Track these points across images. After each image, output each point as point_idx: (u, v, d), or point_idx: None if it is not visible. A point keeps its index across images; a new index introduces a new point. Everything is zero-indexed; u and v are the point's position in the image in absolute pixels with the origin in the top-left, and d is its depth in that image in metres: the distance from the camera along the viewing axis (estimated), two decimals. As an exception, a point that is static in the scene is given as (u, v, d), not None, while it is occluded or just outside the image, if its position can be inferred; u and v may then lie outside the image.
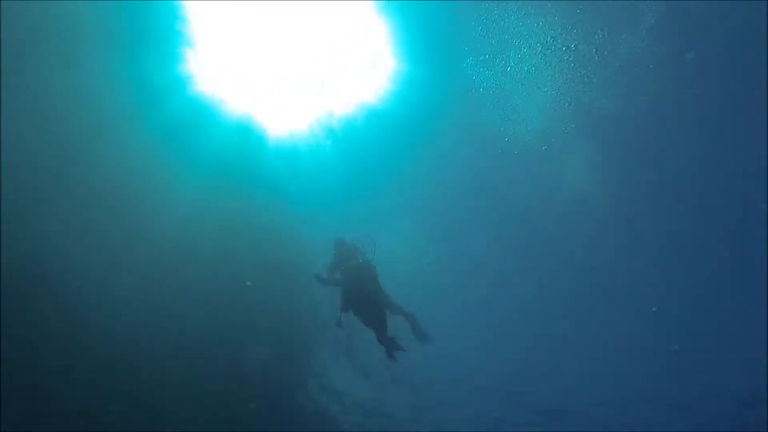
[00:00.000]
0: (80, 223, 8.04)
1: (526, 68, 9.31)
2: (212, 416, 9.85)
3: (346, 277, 7.83)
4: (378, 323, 7.88)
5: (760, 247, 11.55)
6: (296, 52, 9.59)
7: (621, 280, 13.78)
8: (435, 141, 11.50)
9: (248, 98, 9.94)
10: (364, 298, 7.72)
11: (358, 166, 11.74)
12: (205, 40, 8.90)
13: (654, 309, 13.68)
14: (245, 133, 10.33)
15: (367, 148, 11.26)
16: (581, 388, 14.57)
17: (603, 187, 11.71)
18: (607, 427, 14.57)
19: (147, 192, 8.93)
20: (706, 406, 13.84)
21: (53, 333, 7.79)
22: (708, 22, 8.74)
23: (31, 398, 7.95)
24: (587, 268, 13.65)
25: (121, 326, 8.54)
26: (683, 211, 12.04)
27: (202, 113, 9.90)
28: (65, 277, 7.90)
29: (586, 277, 13.84)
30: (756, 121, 9.86)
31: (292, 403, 11.99)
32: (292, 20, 9.04)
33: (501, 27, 8.72)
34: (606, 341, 14.56)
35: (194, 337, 9.63)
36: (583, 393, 14.49)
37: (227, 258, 10.32)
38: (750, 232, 11.48)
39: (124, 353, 8.50)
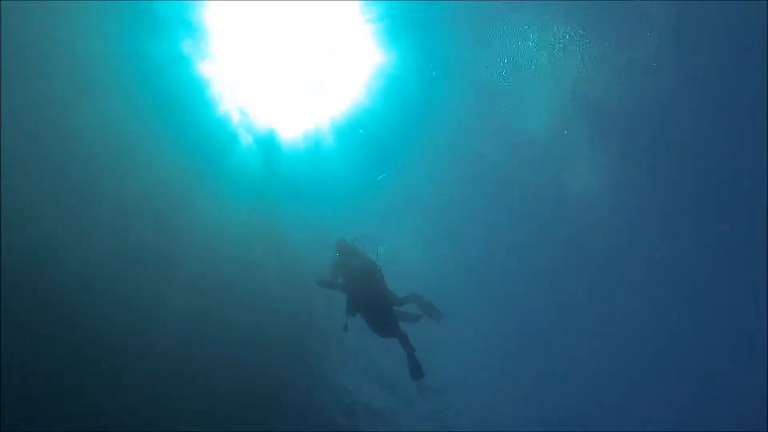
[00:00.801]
0: (88, 225, 8.02)
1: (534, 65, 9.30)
2: (214, 418, 9.82)
3: (348, 279, 7.61)
4: (386, 325, 7.67)
5: (762, 246, 11.55)
6: (297, 51, 9.60)
7: (627, 278, 13.76)
8: (439, 138, 11.48)
9: (248, 98, 9.92)
10: (369, 300, 7.49)
11: (364, 165, 11.69)
12: (204, 37, 8.89)
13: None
14: (250, 136, 10.33)
15: (372, 147, 11.24)
16: (587, 387, 14.58)
17: (614, 182, 11.62)
18: (607, 427, 14.60)
19: (155, 196, 8.89)
20: (705, 405, 13.87)
21: (56, 334, 7.75)
22: (713, 21, 8.77)
23: (31, 398, 7.90)
24: (599, 266, 13.56)
25: (124, 327, 8.50)
26: (687, 209, 12.04)
27: (203, 112, 9.89)
28: (69, 278, 7.87)
29: (598, 276, 13.77)
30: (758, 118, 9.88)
31: (299, 409, 11.86)
32: (292, 20, 9.06)
33: (510, 24, 8.72)
34: (612, 339, 14.51)
35: (198, 340, 9.59)
36: (589, 391, 14.51)
37: (233, 262, 10.27)
38: (755, 229, 11.43)
39: (127, 354, 8.47)
